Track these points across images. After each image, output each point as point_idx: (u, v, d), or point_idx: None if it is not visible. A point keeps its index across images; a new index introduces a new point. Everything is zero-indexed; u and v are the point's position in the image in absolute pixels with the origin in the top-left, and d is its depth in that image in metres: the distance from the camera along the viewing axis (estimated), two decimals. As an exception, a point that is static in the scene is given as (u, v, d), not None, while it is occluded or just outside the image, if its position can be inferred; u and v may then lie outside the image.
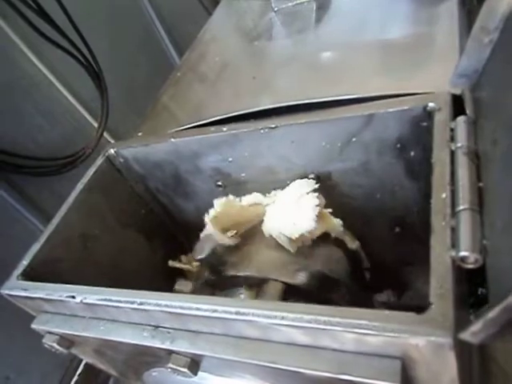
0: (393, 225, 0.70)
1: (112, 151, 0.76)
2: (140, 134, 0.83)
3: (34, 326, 0.59)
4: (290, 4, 0.95)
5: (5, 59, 1.34)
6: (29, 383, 1.35)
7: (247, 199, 0.70)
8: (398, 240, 0.71)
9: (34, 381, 1.38)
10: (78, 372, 1.43)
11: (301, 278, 0.61)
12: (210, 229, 0.65)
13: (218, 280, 0.66)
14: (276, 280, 0.60)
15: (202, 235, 0.70)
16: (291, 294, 0.60)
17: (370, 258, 0.72)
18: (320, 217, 0.61)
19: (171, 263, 0.73)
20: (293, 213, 0.62)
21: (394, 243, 0.72)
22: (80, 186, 0.71)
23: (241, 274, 0.63)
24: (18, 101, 1.38)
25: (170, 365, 0.48)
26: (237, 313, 0.42)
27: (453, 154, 0.46)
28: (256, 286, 0.62)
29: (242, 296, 0.61)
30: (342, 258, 0.65)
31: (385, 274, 0.74)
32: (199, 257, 0.68)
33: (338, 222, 0.65)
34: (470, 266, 0.37)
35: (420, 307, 0.37)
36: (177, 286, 0.70)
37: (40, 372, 1.38)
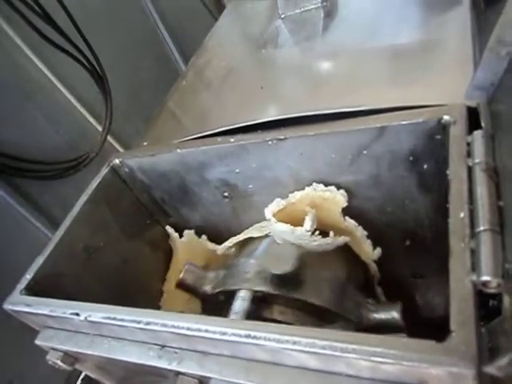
0: (403, 237, 0.68)
1: (117, 161, 0.75)
2: (145, 143, 0.81)
3: (38, 342, 0.58)
4: (297, 11, 0.93)
5: (9, 63, 1.34)
6: (32, 388, 1.35)
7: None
8: (409, 253, 0.70)
9: (37, 385, 1.37)
10: (81, 377, 1.43)
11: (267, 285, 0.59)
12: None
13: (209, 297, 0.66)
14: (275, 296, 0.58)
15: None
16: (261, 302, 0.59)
17: (380, 270, 0.71)
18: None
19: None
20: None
21: (405, 256, 0.70)
22: (84, 198, 0.70)
23: (218, 290, 0.64)
24: (22, 104, 1.37)
25: (177, 386, 0.47)
26: (247, 336, 0.40)
27: (470, 170, 0.44)
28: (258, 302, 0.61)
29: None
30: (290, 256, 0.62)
31: (395, 287, 0.72)
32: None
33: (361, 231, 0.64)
34: (492, 291, 0.36)
35: (435, 327, 0.36)
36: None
37: (43, 377, 1.37)
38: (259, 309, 0.59)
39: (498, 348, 0.34)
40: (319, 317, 0.58)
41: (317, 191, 0.62)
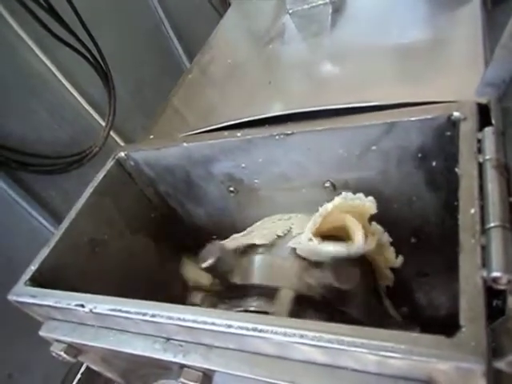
0: (409, 235, 0.68)
1: (122, 154, 0.75)
2: (151, 137, 0.81)
3: (41, 333, 0.58)
4: (305, 6, 0.93)
5: (14, 57, 1.34)
6: (32, 381, 1.35)
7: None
8: (414, 250, 0.69)
9: (37, 379, 1.38)
10: (81, 370, 1.43)
11: (313, 290, 0.59)
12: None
13: (224, 289, 0.65)
14: (285, 291, 0.58)
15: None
16: (303, 303, 0.58)
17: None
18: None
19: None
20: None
21: (410, 253, 0.70)
22: (90, 190, 0.70)
23: (248, 282, 0.61)
24: (26, 99, 1.37)
25: (182, 379, 0.47)
26: (253, 329, 0.40)
27: (480, 166, 0.44)
28: (265, 296, 0.60)
29: (253, 307, 0.60)
30: (357, 272, 0.62)
31: (399, 285, 0.72)
32: (204, 265, 0.65)
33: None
34: (502, 287, 0.36)
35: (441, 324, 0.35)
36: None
37: (43, 370, 1.38)
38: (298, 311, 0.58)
39: (502, 347, 0.34)
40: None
41: (347, 200, 0.59)
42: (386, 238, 0.62)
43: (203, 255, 0.66)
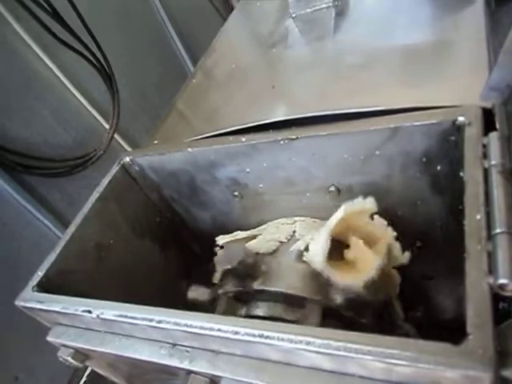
0: (413, 239, 0.68)
1: (127, 159, 0.75)
2: (156, 142, 0.82)
3: (49, 338, 0.59)
4: (308, 10, 0.93)
5: (18, 61, 1.35)
6: (37, 384, 1.36)
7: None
8: (419, 254, 0.69)
9: (43, 381, 1.38)
10: (87, 373, 1.44)
11: (337, 300, 0.57)
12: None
13: (241, 292, 0.63)
14: (312, 301, 0.57)
15: (222, 243, 0.68)
16: (328, 315, 0.57)
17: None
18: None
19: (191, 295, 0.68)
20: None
21: (415, 258, 0.70)
22: (95, 195, 0.70)
23: (269, 288, 0.59)
24: (31, 102, 1.38)
25: (189, 385, 0.47)
26: (260, 336, 0.40)
27: (486, 172, 0.44)
28: (284, 303, 0.59)
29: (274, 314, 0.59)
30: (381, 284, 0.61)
31: (404, 289, 0.72)
32: (225, 267, 0.63)
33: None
34: (509, 294, 0.36)
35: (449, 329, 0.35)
36: (190, 293, 0.66)
37: (48, 373, 1.39)
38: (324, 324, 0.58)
39: (508, 351, 0.34)
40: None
41: (347, 210, 0.57)
42: (390, 232, 0.60)
43: (223, 257, 0.64)
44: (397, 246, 0.61)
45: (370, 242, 0.59)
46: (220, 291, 0.63)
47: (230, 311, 0.62)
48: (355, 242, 0.58)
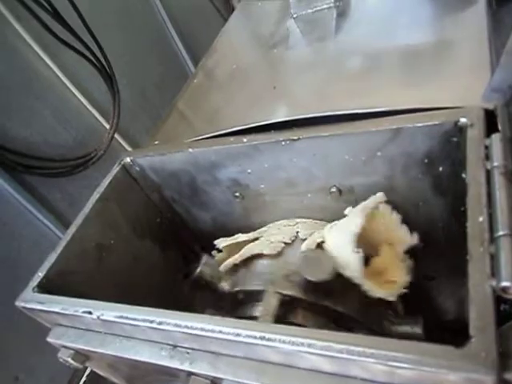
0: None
1: (128, 160, 0.75)
2: (156, 142, 0.81)
3: (49, 339, 0.58)
4: (309, 11, 0.92)
5: (19, 60, 1.35)
6: (37, 384, 1.36)
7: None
8: (421, 255, 0.69)
9: (43, 381, 1.39)
10: (86, 373, 1.44)
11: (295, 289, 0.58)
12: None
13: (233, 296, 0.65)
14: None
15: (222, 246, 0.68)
16: (290, 304, 0.58)
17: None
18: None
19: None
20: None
21: (417, 257, 0.70)
22: (96, 196, 0.70)
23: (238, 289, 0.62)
24: (31, 102, 1.38)
25: (189, 387, 0.47)
26: (261, 338, 0.40)
27: (488, 173, 0.44)
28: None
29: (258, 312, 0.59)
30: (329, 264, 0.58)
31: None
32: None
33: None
34: (511, 297, 0.35)
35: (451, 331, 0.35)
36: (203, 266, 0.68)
37: (49, 373, 1.39)
38: (284, 312, 0.58)
39: (509, 353, 0.33)
40: (341, 325, 0.58)
41: (364, 210, 0.57)
42: (395, 216, 0.60)
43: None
44: (403, 228, 0.61)
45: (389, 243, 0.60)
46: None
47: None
48: (386, 250, 0.58)
